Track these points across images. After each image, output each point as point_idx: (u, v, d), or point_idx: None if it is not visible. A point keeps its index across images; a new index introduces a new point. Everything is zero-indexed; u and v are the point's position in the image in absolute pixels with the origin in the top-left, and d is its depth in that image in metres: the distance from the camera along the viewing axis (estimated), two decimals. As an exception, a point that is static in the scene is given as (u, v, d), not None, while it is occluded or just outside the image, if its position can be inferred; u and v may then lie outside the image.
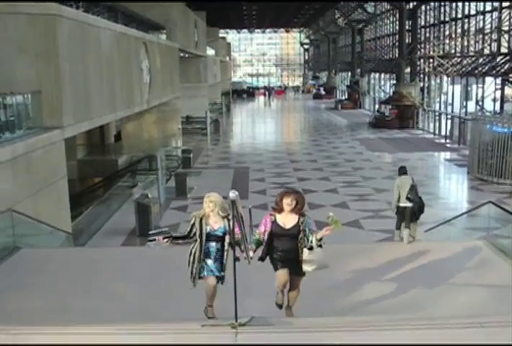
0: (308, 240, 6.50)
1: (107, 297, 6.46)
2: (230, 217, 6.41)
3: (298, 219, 6.61)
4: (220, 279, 6.57)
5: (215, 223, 6.62)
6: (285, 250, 6.56)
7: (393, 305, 6.38)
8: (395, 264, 7.81)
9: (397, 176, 11.99)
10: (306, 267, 6.51)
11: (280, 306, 6.55)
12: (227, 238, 6.62)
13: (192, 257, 6.59)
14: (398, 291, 6.74)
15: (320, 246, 6.38)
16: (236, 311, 4.96)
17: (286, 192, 6.74)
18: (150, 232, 6.70)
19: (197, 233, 6.60)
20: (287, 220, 6.62)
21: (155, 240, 6.51)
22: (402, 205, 11.53)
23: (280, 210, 6.64)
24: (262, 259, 6.65)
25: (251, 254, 6.49)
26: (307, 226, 6.58)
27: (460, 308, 6.22)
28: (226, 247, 6.65)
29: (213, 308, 6.54)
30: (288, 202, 6.57)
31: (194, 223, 6.64)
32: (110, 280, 7.00)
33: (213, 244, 6.62)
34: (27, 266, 7.65)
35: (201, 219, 6.63)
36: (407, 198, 11.41)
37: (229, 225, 6.53)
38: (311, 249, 6.46)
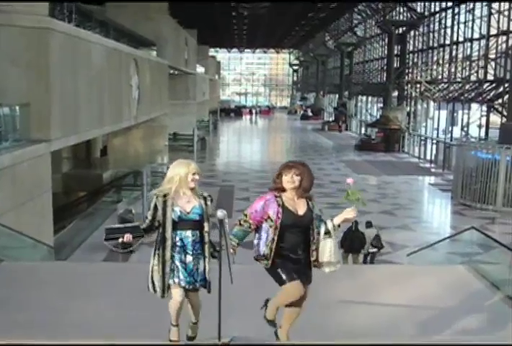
0: (318, 231, 4.89)
1: (89, 312, 6.42)
2: (206, 194, 5.02)
3: (307, 203, 4.92)
4: (204, 286, 4.97)
5: (188, 203, 4.91)
6: (293, 247, 4.83)
7: (373, 328, 6.38)
8: (377, 287, 7.81)
9: (365, 229, 15.06)
10: (333, 268, 4.93)
11: (273, 324, 5.03)
12: (206, 226, 4.94)
13: (161, 259, 4.89)
14: (379, 314, 6.73)
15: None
16: (220, 330, 4.88)
17: (287, 165, 4.90)
18: (107, 227, 5.00)
19: (161, 220, 4.88)
20: (296, 203, 4.88)
21: (116, 239, 4.85)
22: (370, 250, 14.84)
23: (280, 190, 4.90)
24: (266, 258, 4.80)
25: (232, 258, 4.71)
26: (317, 213, 4.95)
27: (441, 333, 6.23)
28: (206, 238, 4.93)
29: (178, 328, 5.10)
30: (288, 179, 4.83)
31: (156, 206, 4.88)
32: (92, 295, 6.96)
33: (187, 234, 4.89)
34: (8, 279, 7.59)
35: (165, 199, 4.88)
36: (371, 245, 14.81)
37: (206, 204, 4.97)
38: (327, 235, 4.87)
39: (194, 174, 4.89)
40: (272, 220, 4.79)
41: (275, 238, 4.77)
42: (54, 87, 13.87)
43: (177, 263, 4.86)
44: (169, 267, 4.86)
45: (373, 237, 14.89)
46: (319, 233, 4.86)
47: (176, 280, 4.86)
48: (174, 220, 4.85)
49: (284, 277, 4.76)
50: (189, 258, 4.88)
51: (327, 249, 4.86)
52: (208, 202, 4.98)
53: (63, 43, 14.61)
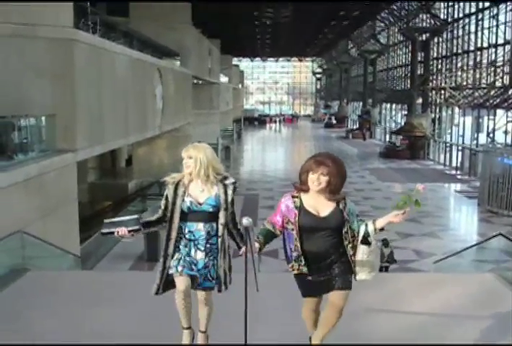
0: (356, 234, 4.35)
1: (114, 321, 6.44)
2: (227, 182, 4.46)
3: (338, 203, 4.33)
4: (219, 285, 4.48)
5: (202, 193, 4.40)
6: (321, 251, 4.31)
7: (400, 337, 6.31)
8: (403, 295, 7.74)
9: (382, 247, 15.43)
10: (364, 276, 4.44)
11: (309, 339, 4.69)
12: (222, 217, 4.41)
13: (164, 251, 4.45)
14: (404, 322, 6.67)
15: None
16: (246, 339, 4.79)
17: (314, 161, 4.33)
18: (106, 221, 4.55)
19: (169, 209, 4.42)
20: (319, 203, 4.32)
21: (112, 233, 4.42)
22: (382, 264, 15.35)
23: (306, 189, 4.36)
24: (295, 261, 4.36)
25: (256, 255, 4.30)
26: (352, 214, 4.37)
27: (469, 342, 6.15)
28: (220, 231, 4.41)
29: (191, 331, 4.68)
30: (314, 179, 4.28)
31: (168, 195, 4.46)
32: (118, 304, 6.98)
33: (199, 226, 4.39)
34: (35, 288, 7.65)
35: (176, 187, 4.44)
36: (387, 261, 15.45)
37: (226, 193, 4.43)
38: (367, 243, 4.34)
39: (190, 157, 4.42)
40: (292, 223, 4.33)
41: (297, 242, 4.31)
42: (79, 98, 14.00)
43: (185, 257, 4.38)
44: (170, 261, 4.40)
45: (388, 254, 15.63)
46: (354, 236, 4.37)
47: (180, 268, 4.35)
48: (183, 210, 4.38)
49: (304, 290, 4.46)
50: (200, 254, 4.39)
51: (360, 252, 4.37)
52: (229, 191, 4.44)
53: (88, 54, 14.75)
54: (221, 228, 4.41)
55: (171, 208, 4.40)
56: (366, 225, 4.33)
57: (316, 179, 4.26)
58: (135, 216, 4.53)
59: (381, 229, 4.33)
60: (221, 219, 4.40)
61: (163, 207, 4.45)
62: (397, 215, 4.18)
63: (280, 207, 4.41)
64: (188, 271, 4.36)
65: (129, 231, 4.38)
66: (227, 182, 4.46)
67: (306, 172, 4.34)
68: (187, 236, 4.40)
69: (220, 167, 4.48)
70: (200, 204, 4.38)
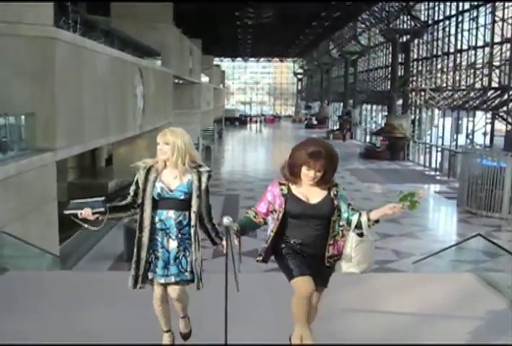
0: (345, 223, 4.17)
1: (93, 322, 6.41)
2: (202, 169, 4.31)
3: (329, 190, 4.20)
4: (192, 279, 4.30)
5: (175, 180, 4.23)
6: (307, 242, 4.13)
7: (377, 337, 6.34)
8: (382, 295, 7.77)
9: None
10: (352, 268, 4.20)
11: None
12: (194, 205, 4.22)
13: (137, 241, 4.26)
14: (383, 323, 6.70)
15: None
16: (226, 340, 4.77)
17: (311, 154, 4.06)
18: (72, 201, 4.26)
19: (140, 196, 4.27)
20: (310, 191, 4.17)
21: (76, 216, 4.15)
22: None
23: (297, 182, 4.19)
24: (264, 259, 4.25)
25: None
26: (343, 201, 4.21)
27: (447, 341, 6.20)
28: (193, 220, 4.23)
29: (171, 334, 4.67)
30: (310, 174, 4.11)
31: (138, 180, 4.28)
32: (98, 304, 6.95)
33: (170, 214, 4.22)
34: (14, 288, 7.59)
35: (148, 172, 4.25)
36: None
37: (200, 180, 4.25)
38: (360, 235, 4.13)
39: (167, 143, 4.21)
40: (275, 211, 4.18)
41: (274, 229, 4.14)
42: (59, 97, 13.91)
43: (158, 252, 4.23)
44: (147, 251, 4.23)
45: None
46: (341, 225, 4.20)
47: (150, 276, 4.29)
48: (153, 197, 4.22)
49: (293, 271, 4.09)
50: (173, 243, 4.22)
51: (348, 242, 4.17)
52: (203, 178, 4.26)
53: (68, 53, 14.66)
54: (193, 216, 4.24)
55: (142, 195, 4.25)
56: (360, 214, 4.16)
57: (313, 175, 4.11)
58: (102, 198, 4.35)
59: (377, 221, 4.12)
60: (194, 207, 4.23)
61: (132, 193, 4.32)
62: (393, 207, 4.01)
63: (266, 196, 4.30)
64: (160, 278, 4.27)
65: (93, 213, 4.16)
66: (202, 169, 4.31)
67: (299, 166, 4.12)
68: (157, 225, 4.24)
69: (197, 155, 4.36)
70: (172, 191, 4.22)
